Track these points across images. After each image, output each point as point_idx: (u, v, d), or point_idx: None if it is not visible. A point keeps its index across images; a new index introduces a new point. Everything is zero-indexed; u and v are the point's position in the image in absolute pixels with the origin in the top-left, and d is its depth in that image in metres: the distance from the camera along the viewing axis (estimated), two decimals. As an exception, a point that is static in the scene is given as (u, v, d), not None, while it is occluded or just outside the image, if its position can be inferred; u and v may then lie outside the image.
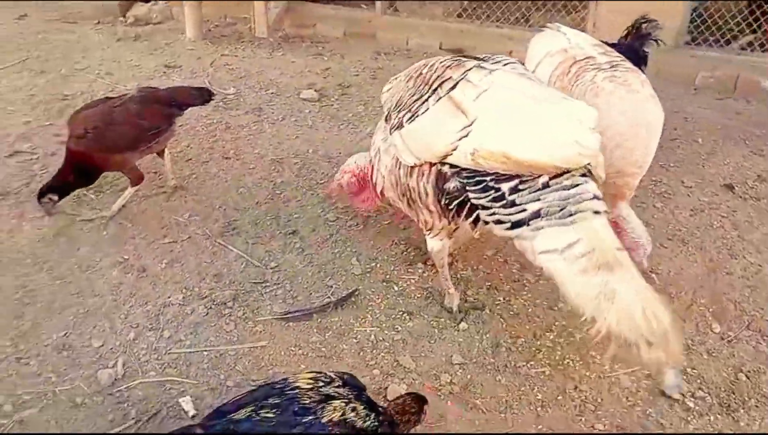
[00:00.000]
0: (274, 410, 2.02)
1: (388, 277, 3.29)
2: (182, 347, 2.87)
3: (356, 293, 3.16)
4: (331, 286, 3.22)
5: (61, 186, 3.51)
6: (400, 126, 2.77)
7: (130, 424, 2.52)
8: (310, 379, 2.16)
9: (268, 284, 3.22)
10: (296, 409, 2.02)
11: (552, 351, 2.90)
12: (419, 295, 3.20)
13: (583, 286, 2.28)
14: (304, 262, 3.37)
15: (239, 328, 2.98)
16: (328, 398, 2.11)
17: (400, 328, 3.00)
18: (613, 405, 2.68)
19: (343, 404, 2.10)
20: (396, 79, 3.08)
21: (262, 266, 3.33)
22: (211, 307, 3.07)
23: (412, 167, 2.74)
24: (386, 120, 2.95)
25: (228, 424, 2.01)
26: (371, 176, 3.16)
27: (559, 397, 2.69)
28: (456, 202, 2.59)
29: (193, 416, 2.55)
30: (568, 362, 2.85)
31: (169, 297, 3.12)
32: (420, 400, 2.31)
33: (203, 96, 3.74)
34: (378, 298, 3.17)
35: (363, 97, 4.99)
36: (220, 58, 5.52)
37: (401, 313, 3.09)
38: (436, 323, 3.04)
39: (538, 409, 2.65)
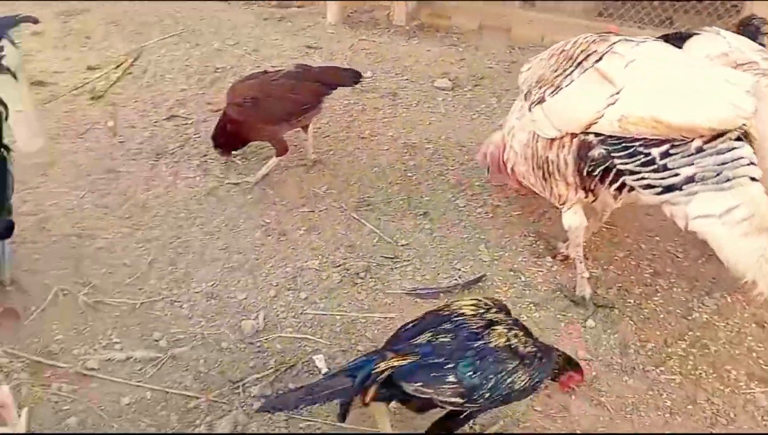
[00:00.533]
0: (449, 335, 2.17)
1: (515, 266, 3.32)
2: (317, 309, 3.05)
3: (483, 278, 3.22)
4: (459, 269, 3.29)
5: (214, 144, 3.85)
6: (541, 100, 2.87)
7: (269, 373, 2.71)
8: (472, 305, 2.29)
9: (398, 260, 3.34)
10: (466, 334, 2.17)
11: (684, 360, 2.83)
12: (546, 288, 3.21)
13: (744, 249, 2.35)
14: (434, 244, 3.46)
15: (370, 298, 3.12)
16: (491, 324, 2.23)
17: (525, 318, 3.01)
18: (748, 422, 2.59)
19: (506, 330, 2.22)
20: (536, 59, 3.18)
21: (393, 243, 3.45)
22: (344, 276, 3.23)
23: (551, 140, 2.83)
24: (525, 98, 3.05)
25: (412, 348, 2.16)
26: (503, 153, 3.26)
27: (689, 407, 2.64)
28: (600, 168, 2.66)
29: (324, 374, 2.71)
30: (701, 373, 2.78)
31: (306, 262, 3.31)
32: (569, 361, 2.36)
33: (352, 77, 3.89)
34: (505, 286, 3.21)
35: (496, 90, 5.00)
36: (358, 42, 5.69)
37: (528, 303, 3.11)
38: (563, 317, 3.04)
39: (667, 415, 2.60)
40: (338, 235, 3.50)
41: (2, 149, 3.02)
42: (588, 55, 2.70)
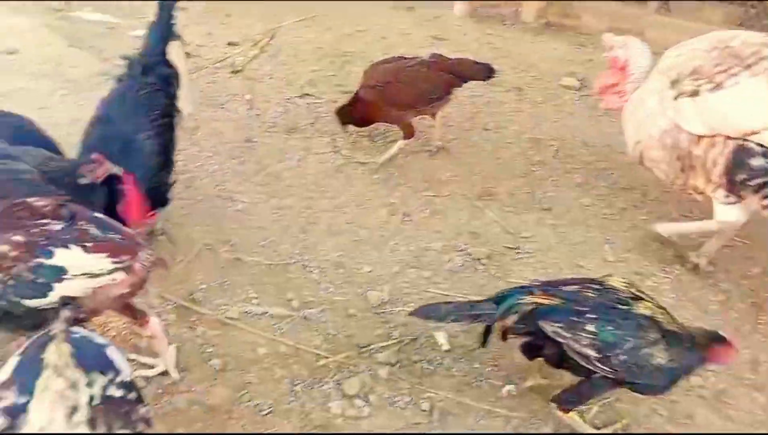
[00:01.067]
0: (596, 293, 2.28)
1: (641, 270, 3.28)
2: (439, 289, 3.13)
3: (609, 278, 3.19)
4: (582, 267, 3.28)
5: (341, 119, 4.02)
6: (694, 93, 2.79)
7: (392, 343, 2.82)
8: (624, 283, 2.39)
9: (520, 252, 3.37)
10: (613, 297, 2.27)
11: (822, 385, 2.72)
12: (672, 296, 3.15)
13: None
14: (557, 239, 3.47)
15: (491, 284, 3.16)
16: (640, 298, 2.30)
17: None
18: None
19: (653, 305, 2.30)
20: (687, 45, 3.06)
21: (515, 234, 3.48)
22: (466, 260, 3.30)
23: (700, 136, 2.76)
24: (672, 85, 2.95)
25: (558, 291, 2.30)
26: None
27: (823, 430, 2.53)
28: (758, 180, 2.63)
29: (446, 350, 2.80)
30: (837, 397, 2.66)
31: (429, 243, 3.40)
32: (714, 337, 2.31)
33: (486, 72, 3.93)
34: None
35: (625, 93, 4.90)
36: (484, 36, 5.73)
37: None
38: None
39: (798, 436, 2.51)
40: (461, 221, 3.57)
41: (175, 111, 3.26)
42: (761, 59, 2.61)
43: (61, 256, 2.10)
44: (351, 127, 4.13)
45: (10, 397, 1.58)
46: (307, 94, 4.72)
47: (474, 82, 4.80)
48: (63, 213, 2.21)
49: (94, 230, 2.19)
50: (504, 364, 2.74)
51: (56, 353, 1.57)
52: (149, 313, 2.46)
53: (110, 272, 2.16)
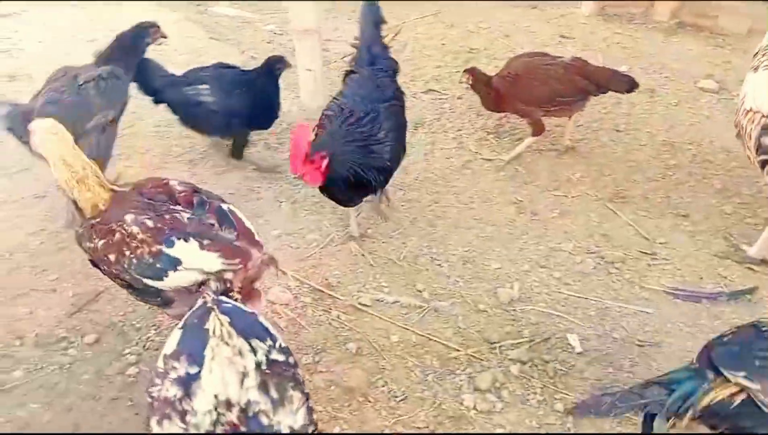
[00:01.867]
0: None
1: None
2: (570, 290, 3.07)
3: (754, 291, 3.02)
4: (725, 277, 3.12)
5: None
6: (755, 69, 2.99)
7: (523, 341, 2.80)
8: None
9: (656, 257, 3.25)
10: None
11: None
12: (827, 313, 2.94)
13: None
14: (695, 246, 3.31)
15: (625, 289, 3.08)
16: None
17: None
18: None
19: None
20: None
21: (650, 239, 3.36)
22: (599, 263, 3.22)
23: (747, 111, 2.95)
24: (753, 56, 3.13)
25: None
26: None
27: None
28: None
29: (579, 353, 2.74)
30: None
31: (559, 243, 3.35)
32: None
33: (627, 84, 3.79)
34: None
35: None
36: (612, 35, 5.55)
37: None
38: None
39: None
40: (592, 222, 3.49)
41: (402, 94, 3.46)
42: None
43: (180, 248, 2.24)
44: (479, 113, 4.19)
45: (181, 368, 1.68)
46: (432, 90, 4.76)
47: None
48: (195, 200, 2.36)
49: (215, 226, 2.31)
50: (640, 371, 2.66)
51: (217, 323, 1.67)
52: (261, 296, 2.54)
53: (219, 272, 2.27)
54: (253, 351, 1.70)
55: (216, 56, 4.94)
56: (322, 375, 2.59)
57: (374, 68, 3.43)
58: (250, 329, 1.78)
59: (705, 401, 1.93)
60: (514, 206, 3.62)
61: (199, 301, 1.86)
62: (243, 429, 1.59)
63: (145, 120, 4.29)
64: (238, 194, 3.62)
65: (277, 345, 1.80)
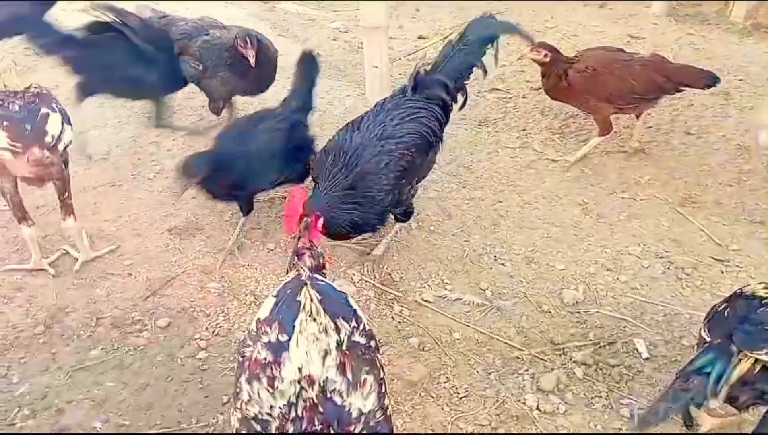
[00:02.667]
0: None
1: None
2: (637, 295, 3.01)
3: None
4: (803, 288, 3.00)
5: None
6: None
7: (588, 344, 2.76)
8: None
9: (729, 265, 3.15)
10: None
11: None
12: None
13: None
14: (771, 254, 3.20)
15: (696, 296, 3.00)
16: None
17: None
18: None
19: None
20: None
21: (723, 246, 3.26)
22: (668, 268, 3.14)
23: None
24: None
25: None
26: None
27: None
28: None
29: (646, 359, 2.69)
30: None
31: (626, 246, 3.28)
32: None
33: (707, 80, 3.67)
34: None
35: None
36: (684, 36, 5.39)
37: None
38: None
39: None
40: (661, 226, 3.40)
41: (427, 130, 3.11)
42: None
43: None
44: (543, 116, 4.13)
45: (272, 334, 1.74)
46: (496, 89, 4.73)
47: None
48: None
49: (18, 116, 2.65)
50: (710, 381, 2.58)
51: (308, 299, 1.72)
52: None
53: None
54: (337, 330, 1.74)
55: (284, 52, 5.05)
56: (384, 368, 2.61)
57: (409, 97, 3.11)
58: (338, 308, 1.82)
59: (734, 377, 2.04)
60: (579, 208, 3.56)
61: (293, 273, 1.93)
62: (320, 409, 1.63)
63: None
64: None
65: (361, 327, 1.84)
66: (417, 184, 3.17)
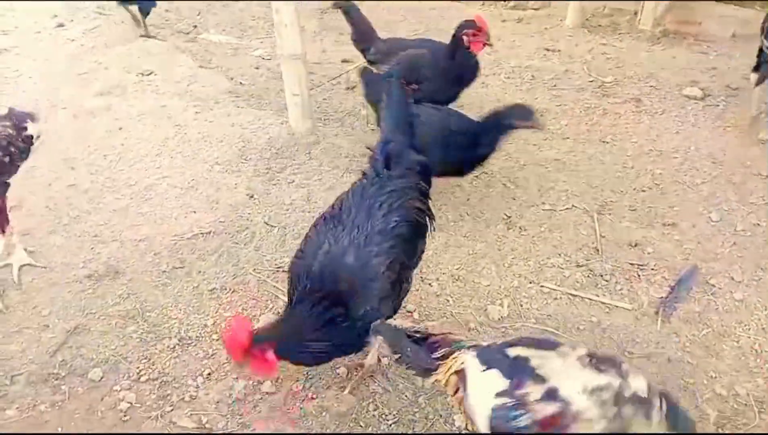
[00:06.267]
0: None
1: (794, 292, 3.10)
2: (560, 305, 3.09)
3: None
4: (714, 286, 3.13)
5: None
6: None
7: (514, 358, 2.81)
8: None
9: (645, 268, 3.26)
10: None
11: None
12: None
13: None
14: (683, 255, 3.33)
15: (615, 300, 3.09)
16: None
17: (804, 349, 2.82)
18: None
19: None
20: None
21: (639, 249, 3.38)
22: (588, 276, 3.23)
23: None
24: None
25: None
26: None
27: None
28: None
29: (570, 368, 2.75)
30: None
31: (548, 257, 3.36)
32: None
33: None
34: (765, 309, 3.01)
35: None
36: (597, 46, 5.60)
37: (793, 330, 2.89)
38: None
39: None
40: (580, 235, 3.50)
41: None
42: None
43: None
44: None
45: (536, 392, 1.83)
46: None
47: (589, 93, 4.76)
48: None
49: None
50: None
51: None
52: None
53: None
54: None
55: (205, 84, 5.01)
56: (312, 402, 2.59)
57: (387, 175, 2.58)
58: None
59: None
60: (503, 222, 3.64)
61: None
62: None
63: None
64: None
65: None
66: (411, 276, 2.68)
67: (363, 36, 4.66)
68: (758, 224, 3.49)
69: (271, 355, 2.25)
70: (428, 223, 2.67)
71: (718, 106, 4.62)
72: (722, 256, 3.31)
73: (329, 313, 2.29)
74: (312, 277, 2.33)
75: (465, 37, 3.94)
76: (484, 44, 3.97)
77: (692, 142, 4.22)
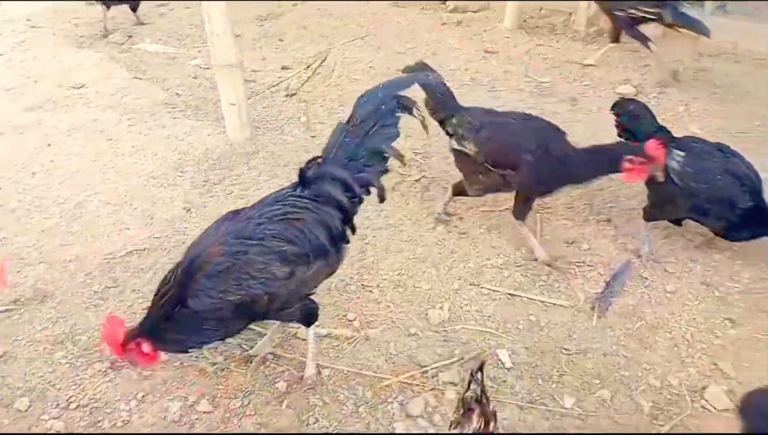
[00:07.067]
0: None
1: (707, 280, 3.19)
2: (500, 305, 3.11)
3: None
4: (645, 278, 3.21)
5: None
6: None
7: (454, 361, 2.81)
8: None
9: (581, 265, 3.32)
10: None
11: None
12: (743, 306, 3.04)
13: None
14: (618, 250, 3.40)
15: (553, 298, 3.13)
16: None
17: (719, 333, 2.90)
18: None
19: None
20: None
21: (575, 247, 3.43)
22: (526, 276, 3.27)
23: None
24: None
25: None
26: None
27: None
28: None
29: (509, 368, 2.77)
30: None
31: (488, 259, 3.39)
32: None
33: None
34: (695, 300, 3.09)
35: (684, 98, 4.79)
36: (535, 47, 5.70)
37: (722, 319, 2.98)
38: (763, 337, 2.88)
39: None
40: (519, 235, 3.54)
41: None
42: None
43: None
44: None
45: None
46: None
47: (526, 94, 4.82)
48: None
49: None
50: (568, 380, 2.70)
51: None
52: None
53: None
54: None
55: (139, 95, 4.90)
56: (250, 419, 2.54)
57: (300, 191, 2.52)
58: None
59: None
60: (443, 225, 3.65)
61: None
62: None
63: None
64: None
65: None
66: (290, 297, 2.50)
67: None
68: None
69: (146, 346, 2.36)
70: (315, 255, 2.48)
71: (649, 102, 4.73)
72: (655, 249, 3.39)
73: (173, 305, 2.34)
74: (176, 269, 2.39)
75: (626, 164, 3.09)
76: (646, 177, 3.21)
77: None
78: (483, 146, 3.30)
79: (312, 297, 2.64)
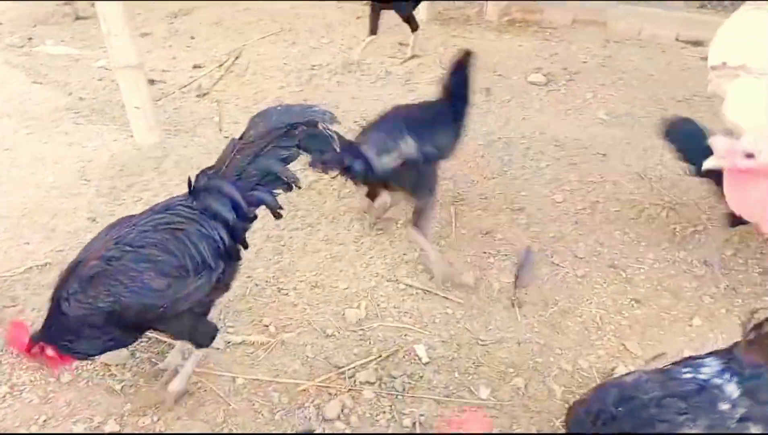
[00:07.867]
0: None
1: (615, 263, 3.29)
2: (416, 300, 3.12)
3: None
4: (558, 265, 3.29)
5: None
6: None
7: (372, 359, 2.80)
8: None
9: (496, 255, 3.36)
10: None
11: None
12: (648, 286, 3.16)
13: None
14: (531, 238, 3.47)
15: (468, 291, 3.16)
16: None
17: (627, 314, 3.00)
18: None
19: None
20: None
21: (490, 237, 3.48)
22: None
23: None
24: None
25: None
26: None
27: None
28: None
29: (426, 363, 2.78)
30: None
31: (404, 254, 3.39)
32: None
33: None
34: (604, 283, 3.19)
35: (592, 85, 4.93)
36: (449, 38, 5.74)
37: (629, 300, 3.08)
38: (666, 315, 2.99)
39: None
40: (435, 228, 3.55)
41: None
42: None
43: None
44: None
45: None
46: (275, 112, 4.69)
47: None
48: None
49: None
50: (485, 371, 2.74)
51: None
52: None
53: None
54: None
55: (38, 101, 4.65)
56: None
57: (191, 200, 2.42)
58: None
59: None
60: (359, 222, 3.63)
61: None
62: None
63: None
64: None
65: None
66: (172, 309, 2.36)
67: None
68: (597, 202, 3.70)
69: (50, 351, 2.31)
70: (198, 270, 2.36)
71: (559, 90, 4.86)
72: (566, 235, 3.48)
73: (53, 309, 2.30)
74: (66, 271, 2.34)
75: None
76: None
77: (537, 127, 4.41)
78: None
79: (209, 319, 2.55)
